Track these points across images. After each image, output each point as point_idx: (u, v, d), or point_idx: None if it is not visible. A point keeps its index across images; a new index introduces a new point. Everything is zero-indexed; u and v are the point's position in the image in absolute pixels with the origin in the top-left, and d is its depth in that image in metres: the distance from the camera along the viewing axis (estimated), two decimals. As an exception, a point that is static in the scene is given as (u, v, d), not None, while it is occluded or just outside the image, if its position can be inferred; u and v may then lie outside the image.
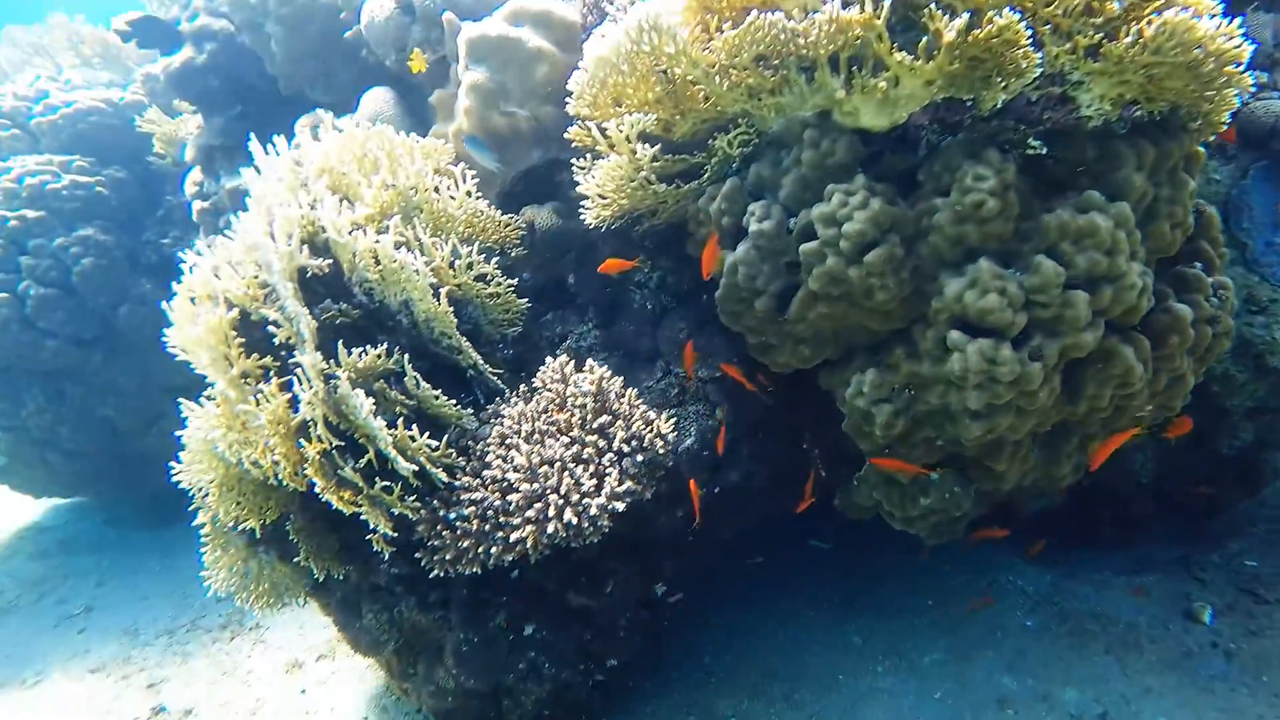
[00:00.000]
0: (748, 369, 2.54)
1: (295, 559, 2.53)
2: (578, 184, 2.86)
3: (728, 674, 3.22)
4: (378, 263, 2.29)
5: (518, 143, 2.76)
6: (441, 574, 2.23)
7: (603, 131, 2.27)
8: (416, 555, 2.26)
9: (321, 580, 2.56)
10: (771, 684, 3.12)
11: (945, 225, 1.99)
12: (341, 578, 2.48)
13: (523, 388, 2.45)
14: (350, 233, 2.26)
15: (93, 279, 4.14)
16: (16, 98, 4.42)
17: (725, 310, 2.40)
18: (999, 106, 1.93)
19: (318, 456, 2.07)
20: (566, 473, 2.19)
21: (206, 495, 2.37)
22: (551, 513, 2.12)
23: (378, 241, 2.27)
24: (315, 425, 2.06)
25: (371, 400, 2.07)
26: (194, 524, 4.80)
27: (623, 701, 3.05)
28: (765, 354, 2.49)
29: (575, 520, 2.13)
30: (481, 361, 2.44)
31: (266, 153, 2.44)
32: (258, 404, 2.05)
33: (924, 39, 1.82)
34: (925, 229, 2.04)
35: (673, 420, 2.47)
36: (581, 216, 2.87)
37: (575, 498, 2.15)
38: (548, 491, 2.16)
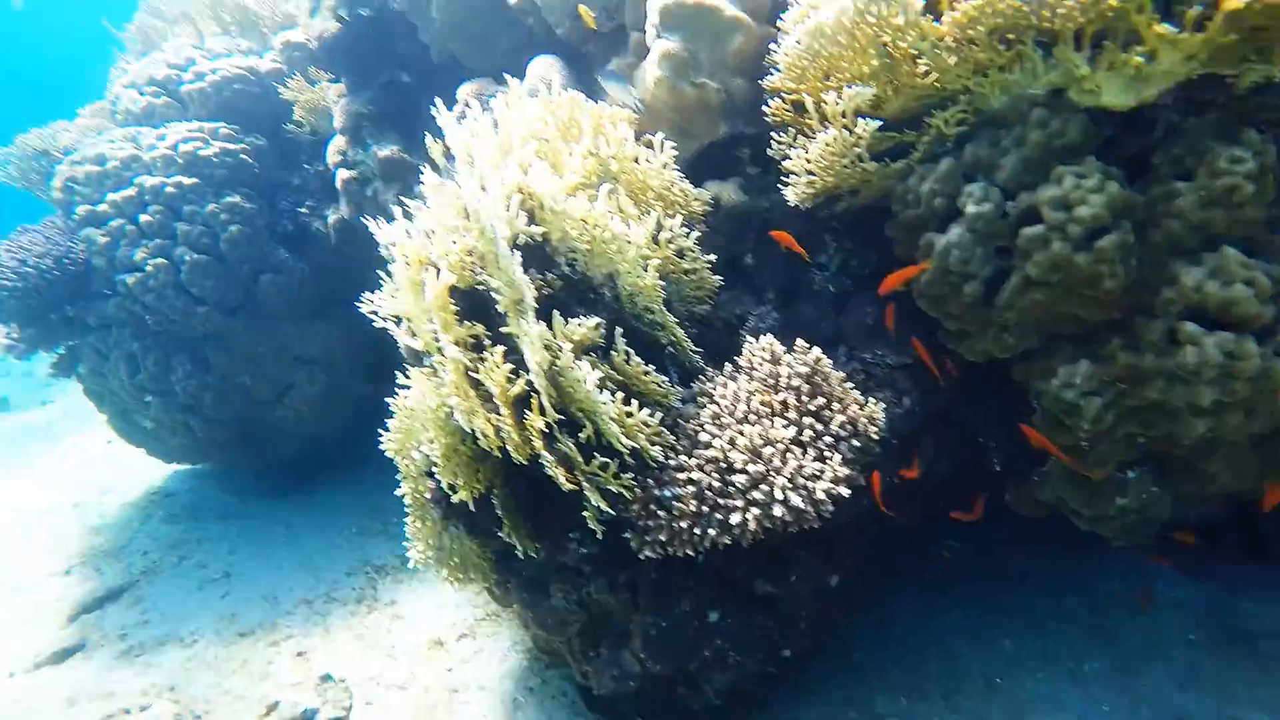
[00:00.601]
0: (934, 356, 2.47)
1: (482, 533, 2.55)
2: (763, 160, 2.79)
3: (879, 671, 3.17)
4: (587, 232, 2.24)
5: (705, 115, 2.69)
6: (652, 555, 2.20)
7: (806, 106, 2.19)
8: (625, 535, 2.23)
9: (509, 556, 2.56)
10: (927, 684, 3.06)
11: (1188, 210, 1.90)
12: (530, 555, 2.47)
13: (728, 367, 2.39)
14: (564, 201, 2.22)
15: (239, 246, 4.25)
16: (169, 66, 4.55)
17: (929, 294, 2.31)
18: (1264, 82, 1.79)
19: (541, 430, 2.05)
20: (790, 455, 2.12)
21: (411, 465, 2.39)
22: (778, 495, 2.06)
23: (590, 210, 2.23)
24: (540, 396, 2.04)
25: (598, 373, 2.03)
26: (309, 496, 4.93)
27: (789, 694, 3.02)
28: (961, 341, 2.41)
29: (800, 504, 2.06)
30: (685, 338, 2.39)
31: (461, 119, 2.41)
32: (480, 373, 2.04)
33: (1192, 8, 1.69)
34: (1158, 215, 1.94)
35: (880, 406, 2.38)
36: (767, 194, 2.80)
37: (800, 481, 2.09)
38: (771, 473, 2.10)
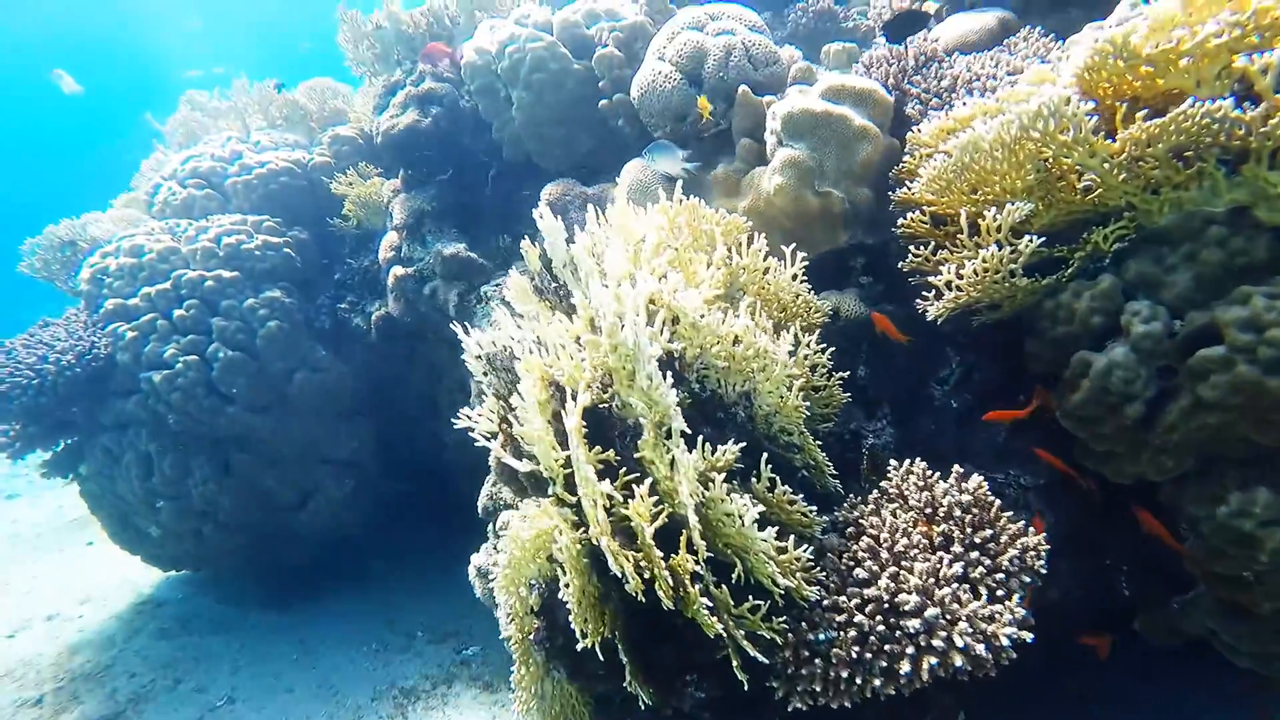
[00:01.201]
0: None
1: (585, 677, 2.31)
2: (877, 270, 2.75)
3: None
4: (725, 348, 2.13)
5: (827, 224, 2.65)
6: (802, 706, 1.98)
7: (947, 220, 2.16)
8: (771, 684, 2.02)
9: (608, 702, 2.32)
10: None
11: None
12: (643, 703, 2.22)
13: (874, 494, 2.24)
14: (703, 316, 2.11)
15: (276, 343, 4.06)
16: (213, 158, 4.48)
17: (1081, 415, 2.22)
18: None
19: (692, 571, 1.86)
20: (964, 594, 1.95)
21: (519, 603, 2.16)
22: (958, 642, 1.88)
23: (733, 325, 2.12)
24: (691, 532, 1.86)
25: (757, 508, 1.87)
26: (317, 605, 4.58)
27: None
28: (1106, 463, 2.31)
29: (982, 651, 1.88)
30: (825, 461, 2.25)
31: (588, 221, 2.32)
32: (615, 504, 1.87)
33: None
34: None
35: (1041, 535, 2.23)
36: (879, 305, 2.74)
37: (979, 625, 1.91)
38: (947, 617, 1.92)
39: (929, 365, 2.66)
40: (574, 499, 2.00)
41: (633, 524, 1.88)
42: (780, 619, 1.98)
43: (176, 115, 5.21)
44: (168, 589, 5.38)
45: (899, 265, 2.50)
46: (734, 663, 1.96)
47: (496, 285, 3.58)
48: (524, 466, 2.30)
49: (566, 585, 1.93)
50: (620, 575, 1.83)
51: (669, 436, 1.91)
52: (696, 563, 1.88)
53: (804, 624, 2.01)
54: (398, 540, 5.27)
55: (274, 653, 4.55)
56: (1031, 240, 2.12)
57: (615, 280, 2.16)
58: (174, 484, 4.05)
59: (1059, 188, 2.14)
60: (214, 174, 4.49)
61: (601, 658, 1.96)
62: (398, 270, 3.84)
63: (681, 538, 1.89)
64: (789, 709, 2.02)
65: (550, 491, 2.09)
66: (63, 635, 4.86)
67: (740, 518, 1.87)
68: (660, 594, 1.86)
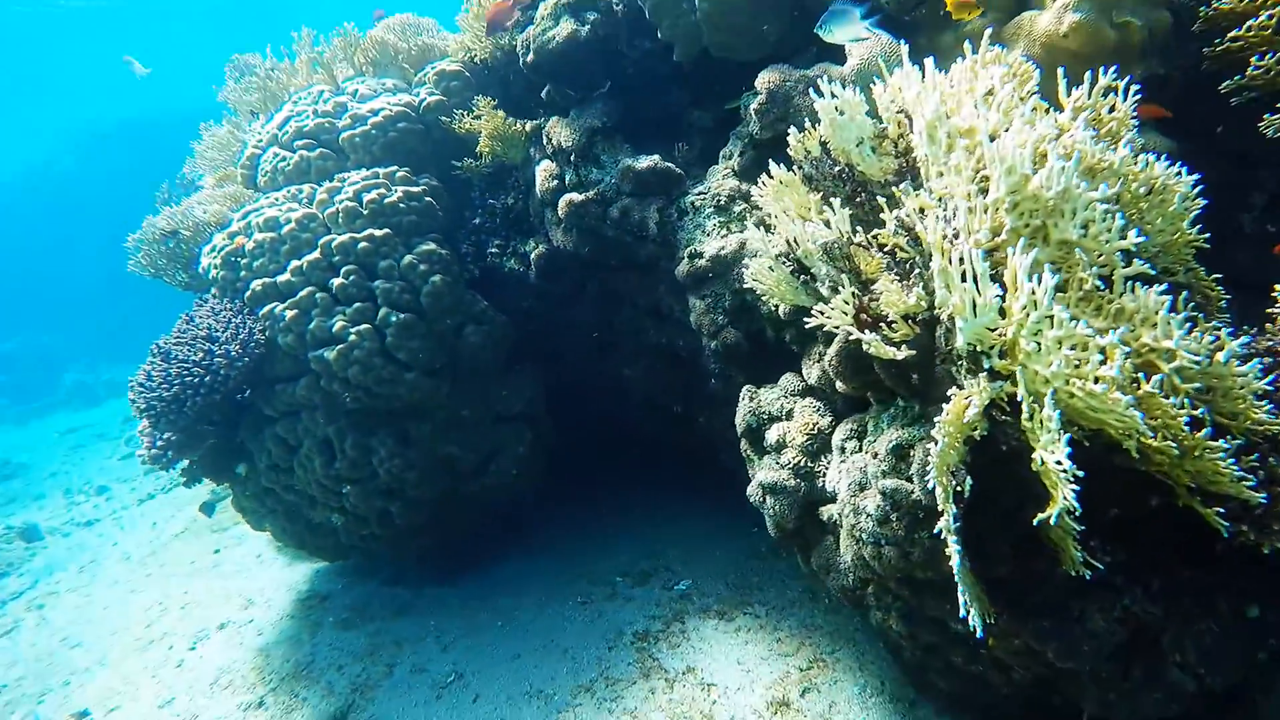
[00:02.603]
0: None
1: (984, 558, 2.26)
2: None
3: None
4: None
5: (1123, 58, 2.49)
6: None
7: None
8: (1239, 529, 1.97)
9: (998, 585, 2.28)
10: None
11: None
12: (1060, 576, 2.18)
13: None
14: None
15: (442, 299, 3.88)
16: (317, 115, 4.18)
17: None
18: None
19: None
20: None
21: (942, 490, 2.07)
22: None
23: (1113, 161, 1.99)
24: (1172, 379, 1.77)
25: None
26: (487, 575, 4.53)
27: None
28: None
29: None
30: (1220, 293, 2.16)
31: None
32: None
33: None
34: None
35: None
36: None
37: None
38: None
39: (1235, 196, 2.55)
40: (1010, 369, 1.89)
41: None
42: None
43: (239, 84, 4.83)
44: (323, 583, 5.30)
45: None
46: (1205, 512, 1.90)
47: (700, 194, 3.40)
48: (900, 354, 2.19)
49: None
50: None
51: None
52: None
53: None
54: (566, 491, 5.19)
55: (476, 624, 4.50)
56: None
57: (991, 134, 2.01)
58: (358, 465, 3.91)
59: None
60: (322, 131, 4.20)
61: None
62: (572, 197, 3.64)
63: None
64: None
65: (987, 365, 1.97)
66: (245, 640, 4.78)
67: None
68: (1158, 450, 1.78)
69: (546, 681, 3.92)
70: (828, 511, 2.95)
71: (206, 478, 4.67)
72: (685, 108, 3.75)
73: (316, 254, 3.79)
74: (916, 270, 2.25)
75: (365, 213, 3.86)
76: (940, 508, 2.10)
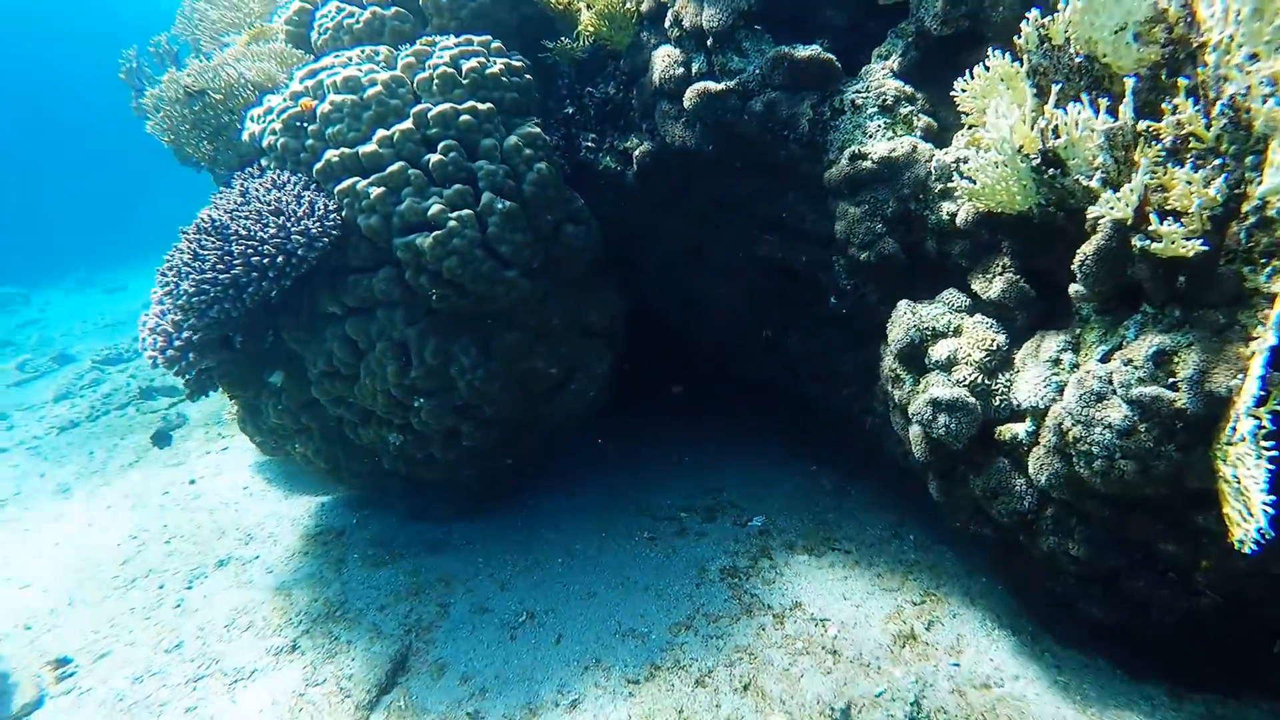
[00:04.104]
0: None
1: None
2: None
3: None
4: None
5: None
6: None
7: None
8: None
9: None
10: None
11: None
12: None
13: None
14: None
15: (545, 190, 3.53)
16: (394, -34, 3.65)
17: None
18: None
19: None
20: None
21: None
22: None
23: None
24: None
25: None
26: (520, 508, 4.31)
27: None
28: None
29: None
30: None
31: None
32: None
33: None
34: None
35: None
36: None
37: None
38: None
39: None
40: None
41: None
42: None
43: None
44: (333, 517, 4.85)
45: None
46: None
47: (860, 93, 3.19)
48: (1192, 250, 2.06)
49: None
50: None
51: None
52: None
53: None
54: (612, 420, 4.90)
55: (534, 561, 4.21)
56: None
57: None
58: (437, 374, 3.53)
59: None
60: (399, -12, 3.69)
61: None
62: (707, 86, 3.35)
63: None
64: None
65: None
66: (253, 578, 4.30)
67: None
68: None
69: (636, 620, 3.69)
70: (1009, 430, 2.85)
71: (226, 387, 4.12)
72: (819, 4, 3.51)
73: (409, 124, 3.34)
74: (1215, 161, 2.13)
75: (465, 82, 3.43)
76: (1240, 411, 2.02)
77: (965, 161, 2.76)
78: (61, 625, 4.13)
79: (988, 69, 2.67)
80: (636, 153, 3.78)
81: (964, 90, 2.81)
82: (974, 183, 2.71)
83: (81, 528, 5.12)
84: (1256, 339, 2.06)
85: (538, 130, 3.56)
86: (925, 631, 3.38)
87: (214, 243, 3.22)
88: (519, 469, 4.78)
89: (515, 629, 3.75)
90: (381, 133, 3.33)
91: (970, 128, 2.93)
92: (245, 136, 3.62)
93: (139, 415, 7.21)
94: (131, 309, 13.38)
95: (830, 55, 3.24)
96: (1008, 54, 2.62)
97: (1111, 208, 2.22)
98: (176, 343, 3.72)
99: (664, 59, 3.56)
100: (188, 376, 3.97)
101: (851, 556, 3.94)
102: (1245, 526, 2.07)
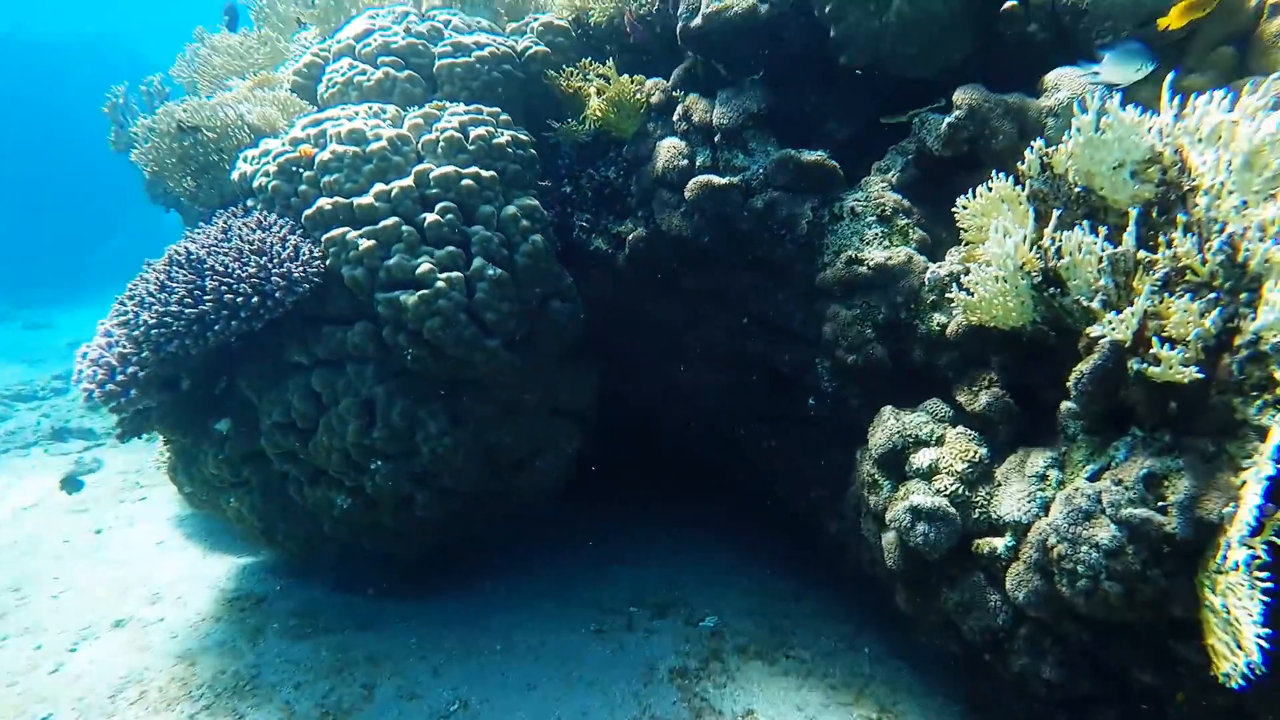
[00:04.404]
0: None
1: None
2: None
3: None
4: None
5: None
6: None
7: None
8: None
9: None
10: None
11: None
12: None
13: None
14: None
15: (537, 263, 3.51)
16: (410, 35, 3.72)
17: None
18: None
19: None
20: None
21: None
22: None
23: None
24: None
25: None
26: (465, 592, 4.19)
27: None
28: None
29: None
30: None
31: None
32: None
33: None
34: None
35: None
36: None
37: None
38: None
39: None
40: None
41: None
42: None
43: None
44: (253, 582, 4.48)
45: None
46: None
47: (860, 201, 3.31)
48: (1187, 377, 2.14)
49: None
50: None
51: None
52: None
53: None
54: (586, 502, 4.73)
55: (471, 647, 3.93)
56: None
57: None
58: (401, 438, 3.36)
59: None
60: (414, 54, 3.75)
61: None
62: (711, 180, 3.44)
63: None
64: None
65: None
66: (153, 643, 3.90)
67: None
68: None
69: (578, 716, 3.43)
70: (989, 544, 2.84)
71: (163, 431, 3.83)
72: (822, 117, 3.69)
73: (409, 180, 3.30)
74: (1209, 295, 2.25)
75: (471, 148, 3.43)
76: (1233, 540, 2.05)
77: (965, 274, 2.85)
78: (-87, 689, 3.62)
79: (990, 189, 2.82)
80: (630, 237, 3.82)
81: (964, 208, 2.94)
82: (971, 295, 2.80)
83: (-47, 574, 4.59)
84: (1247, 469, 2.12)
85: (536, 203, 3.57)
86: (897, 755, 3.23)
87: (186, 276, 3.06)
88: (467, 545, 4.54)
89: (446, 719, 3.45)
90: (380, 186, 3.28)
91: (967, 244, 3.05)
92: (235, 175, 3.52)
93: (46, 456, 6.64)
94: (54, 345, 12.59)
95: (834, 162, 3.38)
96: (1011, 178, 2.77)
97: (1113, 328, 2.31)
98: (119, 377, 3.46)
99: (669, 150, 3.66)
100: (124, 415, 3.69)
101: (806, 665, 3.80)
102: (1233, 659, 2.07)
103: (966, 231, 3.03)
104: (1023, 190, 2.76)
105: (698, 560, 4.75)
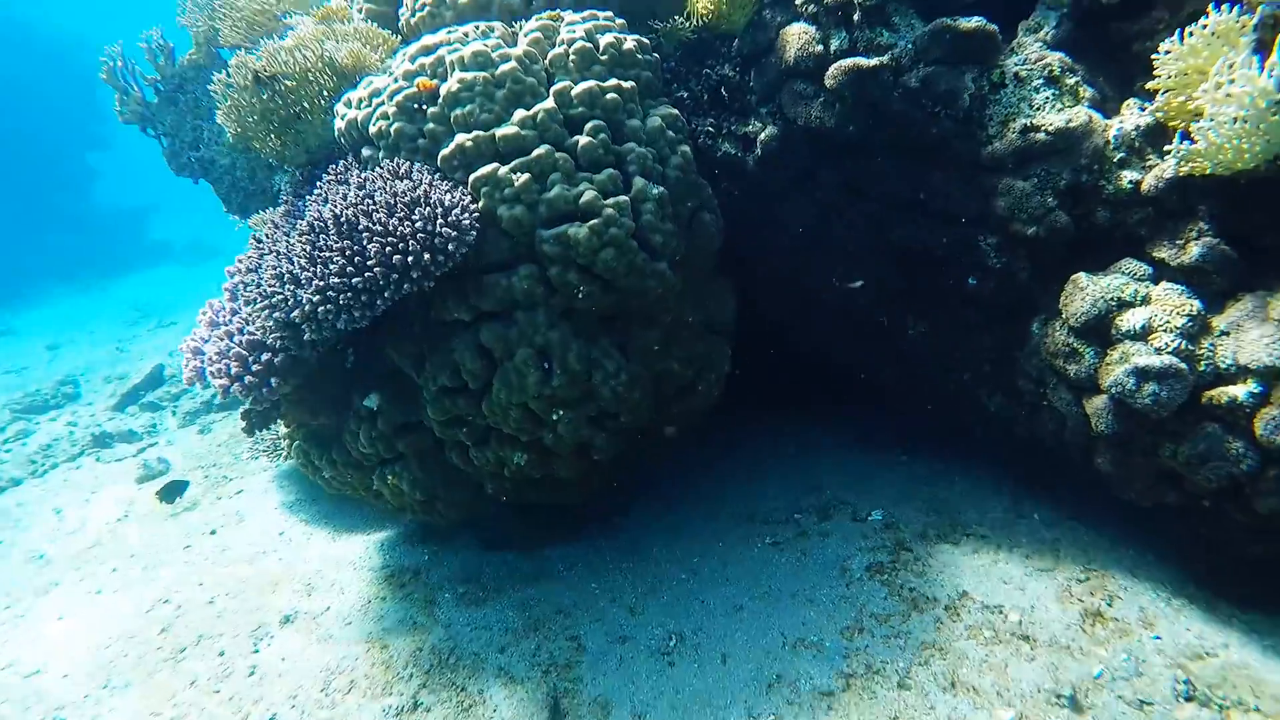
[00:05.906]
0: None
1: None
2: None
3: None
4: None
5: None
6: None
7: None
8: None
9: None
10: None
11: None
12: None
13: None
14: None
15: (687, 175, 3.25)
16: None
17: None
18: None
19: None
20: None
21: None
22: None
23: None
24: None
25: None
26: (615, 528, 4.15)
27: None
28: None
29: None
30: None
31: None
32: None
33: None
34: None
35: None
36: None
37: None
38: None
39: None
40: None
41: None
42: None
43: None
44: (396, 555, 4.32)
45: None
46: None
47: (1023, 65, 3.08)
48: None
49: None
50: None
51: None
52: None
53: None
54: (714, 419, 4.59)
55: (658, 579, 3.87)
56: None
57: None
58: (579, 382, 3.14)
59: None
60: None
61: None
62: (857, 62, 3.17)
63: None
64: None
65: None
66: (333, 633, 3.75)
67: None
68: None
69: (799, 629, 3.42)
70: (1225, 393, 2.78)
71: (297, 416, 3.54)
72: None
73: (550, 103, 2.96)
74: None
75: (603, 58, 3.09)
76: None
77: (1166, 125, 2.67)
78: (106, 715, 3.41)
79: (1205, 25, 2.61)
80: (762, 136, 3.54)
81: (1167, 52, 2.74)
82: (1193, 143, 2.63)
83: (85, 597, 4.30)
84: None
85: (676, 111, 3.27)
86: (1108, 608, 3.27)
87: (340, 243, 2.72)
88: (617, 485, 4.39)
89: (669, 654, 3.38)
90: (521, 113, 2.94)
91: (1167, 91, 2.86)
92: (341, 124, 3.11)
93: (101, 465, 6.22)
94: (31, 350, 11.73)
95: (994, 26, 3.12)
96: (1236, 8, 2.56)
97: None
98: (254, 366, 3.15)
99: (799, 37, 3.34)
100: (261, 407, 3.39)
101: (990, 540, 3.81)
102: None
103: (1164, 78, 2.83)
104: (1251, 17, 2.56)
105: (837, 460, 4.69)
